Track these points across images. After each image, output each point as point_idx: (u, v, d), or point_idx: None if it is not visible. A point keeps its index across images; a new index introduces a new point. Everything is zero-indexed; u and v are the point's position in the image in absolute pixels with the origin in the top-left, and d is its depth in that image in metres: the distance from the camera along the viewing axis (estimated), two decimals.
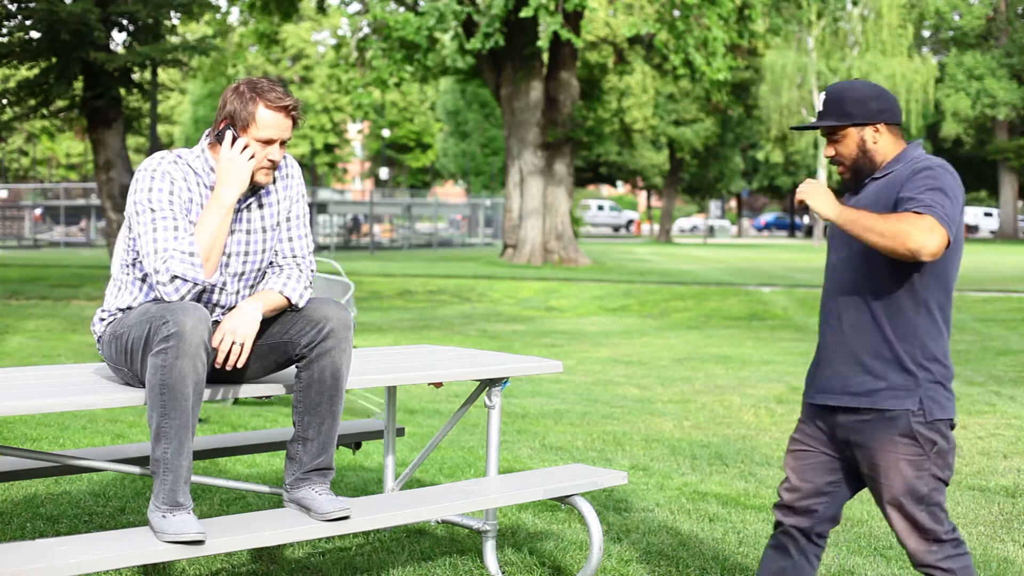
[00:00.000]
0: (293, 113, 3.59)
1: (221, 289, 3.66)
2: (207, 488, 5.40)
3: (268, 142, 3.57)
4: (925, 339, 3.20)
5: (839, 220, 3.13)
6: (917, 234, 3.00)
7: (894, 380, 3.20)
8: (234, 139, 3.55)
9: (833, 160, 3.34)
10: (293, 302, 3.65)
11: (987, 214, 72.53)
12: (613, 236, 64.66)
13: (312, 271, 3.81)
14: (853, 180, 3.35)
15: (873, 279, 3.22)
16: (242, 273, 3.70)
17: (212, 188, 3.60)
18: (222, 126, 3.58)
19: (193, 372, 3.32)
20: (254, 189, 3.67)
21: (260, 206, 3.71)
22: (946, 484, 3.34)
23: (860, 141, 3.31)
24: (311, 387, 3.60)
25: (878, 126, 3.30)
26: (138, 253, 3.59)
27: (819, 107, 3.36)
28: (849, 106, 3.30)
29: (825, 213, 3.15)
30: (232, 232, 3.64)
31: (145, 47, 16.46)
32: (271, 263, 3.77)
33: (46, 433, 6.73)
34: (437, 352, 4.77)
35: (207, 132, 3.68)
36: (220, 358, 3.46)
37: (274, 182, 3.74)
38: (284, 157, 3.74)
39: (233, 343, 3.47)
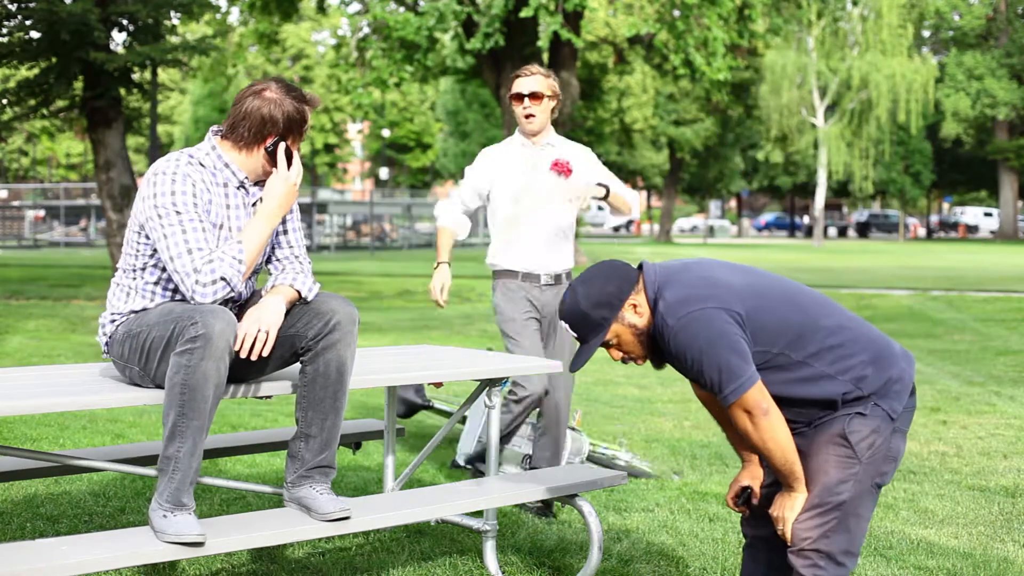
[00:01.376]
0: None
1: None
2: (207, 488, 5.40)
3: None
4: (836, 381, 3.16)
5: (799, 485, 3.13)
6: (761, 437, 3.05)
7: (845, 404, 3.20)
8: (289, 155, 3.60)
9: (626, 360, 3.24)
10: (303, 295, 3.67)
11: (987, 214, 72.56)
12: (613, 236, 64.66)
13: (310, 264, 3.83)
14: (659, 361, 3.24)
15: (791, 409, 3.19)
16: (255, 271, 3.72)
17: (225, 185, 3.61)
18: (271, 141, 3.58)
19: (216, 375, 3.33)
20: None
21: (263, 200, 3.71)
22: (872, 492, 3.23)
23: (629, 340, 3.19)
24: (316, 381, 3.61)
25: (622, 318, 3.16)
26: (149, 257, 3.57)
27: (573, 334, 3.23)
28: (578, 325, 3.17)
29: (800, 498, 3.15)
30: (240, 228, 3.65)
31: (145, 47, 16.47)
32: (269, 260, 3.78)
33: (46, 433, 6.73)
34: (437, 352, 4.77)
35: (215, 129, 3.67)
36: (246, 346, 3.44)
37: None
38: None
39: (259, 330, 3.48)
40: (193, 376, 3.31)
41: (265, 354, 3.47)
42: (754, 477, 3.40)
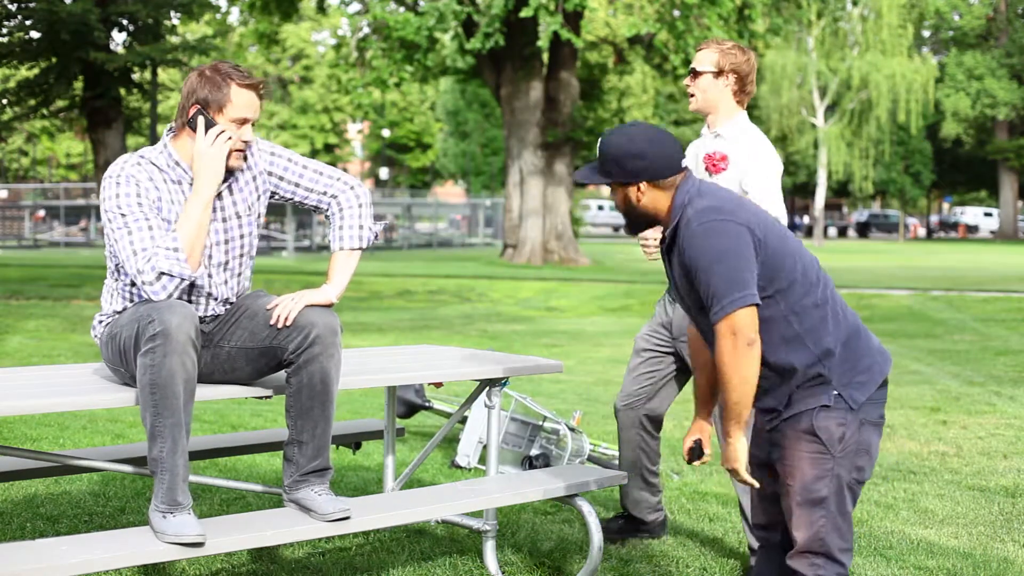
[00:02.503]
0: (262, 91, 3.61)
1: (209, 280, 3.66)
2: (207, 488, 5.40)
3: (242, 122, 3.56)
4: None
5: (739, 430, 3.11)
6: (731, 364, 3.02)
7: (806, 384, 3.20)
8: (208, 126, 3.51)
9: (616, 207, 3.29)
10: (357, 247, 3.77)
11: (987, 214, 72.55)
12: (613, 236, 64.64)
13: (359, 182, 3.86)
14: (631, 229, 3.29)
15: None
16: (226, 262, 3.69)
17: (179, 183, 3.59)
18: (192, 111, 3.55)
19: (182, 370, 3.31)
20: (227, 174, 3.66)
21: (231, 192, 3.68)
22: (851, 490, 3.22)
23: (625, 199, 3.23)
24: (301, 392, 3.60)
25: (639, 185, 3.18)
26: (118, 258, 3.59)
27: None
28: (610, 164, 3.20)
29: (741, 447, 3.14)
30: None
31: (145, 47, 16.49)
32: (317, 208, 3.82)
33: (46, 433, 6.72)
34: (437, 352, 4.77)
35: (169, 127, 3.67)
36: (275, 313, 3.54)
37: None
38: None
39: (293, 300, 3.57)
40: (159, 374, 3.29)
41: (289, 323, 3.53)
42: (702, 431, 3.43)
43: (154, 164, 3.58)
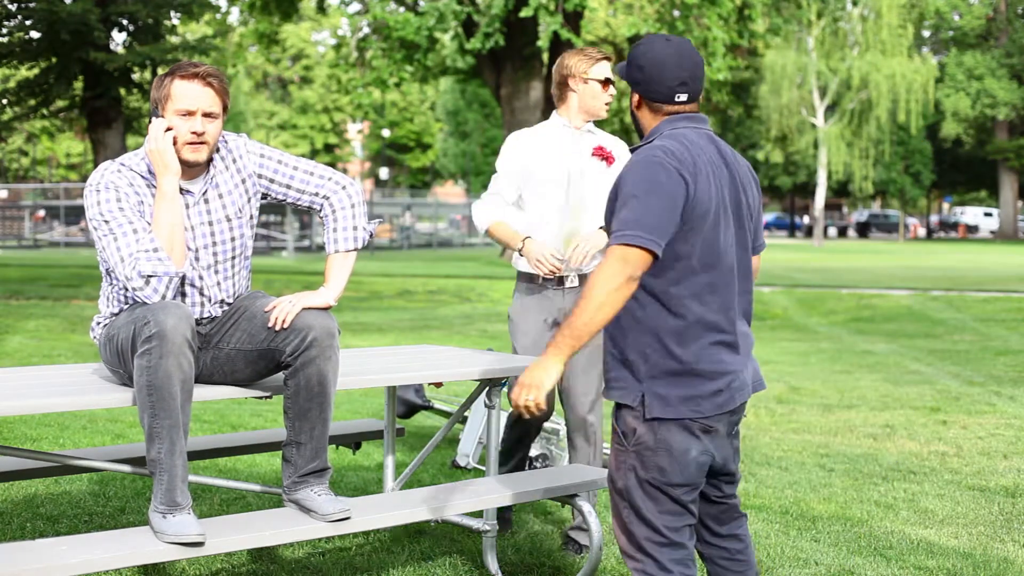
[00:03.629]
0: (210, 80, 3.55)
1: (202, 283, 3.66)
2: (207, 488, 5.40)
3: (187, 114, 3.52)
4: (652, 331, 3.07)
5: (561, 355, 3.00)
6: (604, 286, 2.92)
7: (619, 372, 3.14)
8: (159, 124, 3.52)
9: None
10: (352, 248, 3.77)
11: (987, 214, 72.55)
12: None
13: (351, 180, 3.86)
14: (640, 138, 3.28)
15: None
16: (215, 264, 3.69)
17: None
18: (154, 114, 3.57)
19: (179, 371, 3.31)
20: (197, 174, 3.63)
21: (219, 196, 3.68)
22: (656, 487, 3.11)
23: (630, 100, 3.26)
24: (299, 394, 3.60)
25: (635, 95, 3.20)
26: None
27: None
28: (628, 63, 3.21)
29: (553, 370, 3.01)
30: (193, 227, 3.63)
31: (145, 47, 16.49)
32: (310, 209, 3.82)
33: (46, 433, 6.72)
34: (437, 352, 4.76)
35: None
36: (273, 315, 3.55)
37: (225, 169, 3.70)
38: (225, 140, 3.71)
39: (291, 303, 3.58)
40: (156, 376, 3.30)
41: (287, 325, 3.53)
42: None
43: (133, 170, 3.58)
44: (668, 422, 3.07)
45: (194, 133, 3.52)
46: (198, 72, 3.53)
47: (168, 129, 3.51)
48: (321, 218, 3.86)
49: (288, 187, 3.79)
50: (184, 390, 3.34)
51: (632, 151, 3.18)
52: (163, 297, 3.44)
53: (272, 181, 3.78)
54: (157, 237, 3.46)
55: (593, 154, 4.70)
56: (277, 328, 3.54)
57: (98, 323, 3.71)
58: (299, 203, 3.83)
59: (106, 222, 3.47)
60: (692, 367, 3.06)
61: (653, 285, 3.06)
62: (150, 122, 3.55)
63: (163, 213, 3.49)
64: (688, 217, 3.03)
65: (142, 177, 3.58)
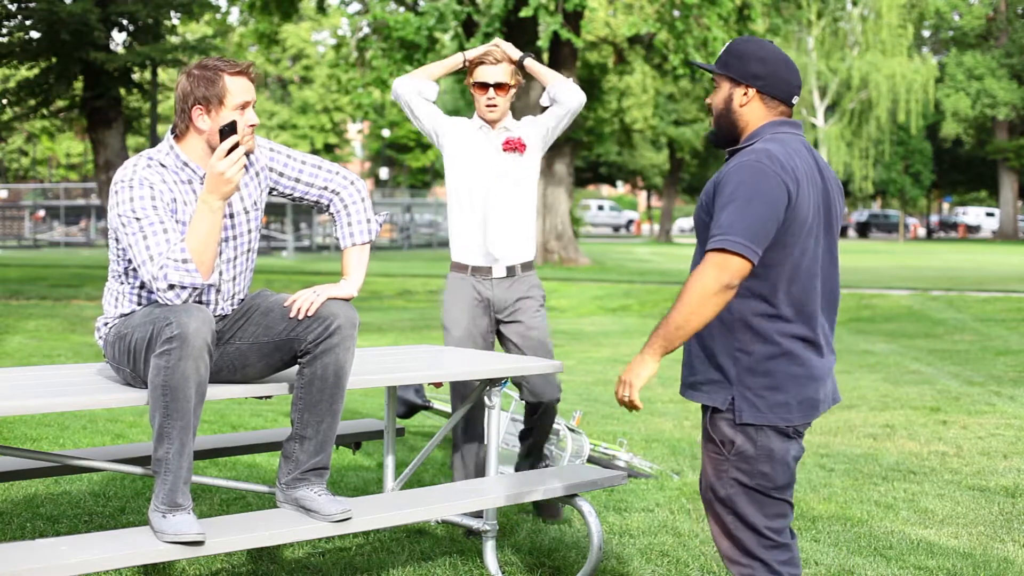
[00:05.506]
0: (251, 73, 3.63)
1: (218, 277, 3.67)
2: (207, 488, 5.40)
3: (243, 106, 3.57)
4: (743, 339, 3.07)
5: (655, 354, 3.02)
6: (700, 291, 2.93)
7: (708, 375, 3.13)
8: (224, 136, 3.49)
9: (708, 108, 3.27)
10: (367, 241, 3.83)
11: (988, 214, 72.53)
12: (613, 236, 64.65)
13: (356, 175, 3.89)
14: (716, 137, 3.24)
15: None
16: (234, 258, 3.71)
17: (189, 182, 3.60)
18: (195, 114, 3.54)
19: (196, 374, 3.33)
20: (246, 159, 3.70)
21: (238, 187, 3.68)
22: (761, 492, 3.13)
23: (728, 98, 3.19)
24: (313, 384, 3.61)
25: (748, 90, 3.15)
26: (129, 263, 3.59)
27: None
28: (732, 58, 3.18)
29: (646, 369, 3.05)
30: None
31: (145, 47, 16.48)
32: (317, 203, 3.85)
33: (46, 433, 6.72)
34: (437, 352, 4.76)
35: (171, 129, 3.68)
36: (296, 305, 3.58)
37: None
38: None
39: (316, 293, 3.61)
40: (173, 377, 3.31)
41: (311, 314, 3.57)
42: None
43: (164, 165, 3.59)
44: (764, 428, 3.08)
45: (251, 126, 3.59)
46: (244, 68, 3.59)
47: (237, 147, 3.49)
48: (331, 214, 3.89)
49: (297, 181, 3.81)
50: (198, 393, 3.36)
51: (733, 153, 3.15)
52: (184, 302, 3.45)
53: (282, 175, 3.81)
54: (189, 247, 3.46)
55: (503, 147, 4.92)
56: (301, 317, 3.56)
57: (105, 324, 3.70)
58: (306, 197, 3.85)
59: (137, 219, 3.46)
60: (781, 374, 3.07)
61: (747, 288, 3.06)
62: (184, 121, 3.55)
63: (202, 226, 3.47)
64: (788, 225, 3.02)
65: (173, 172, 3.58)
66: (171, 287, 3.43)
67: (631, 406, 3.12)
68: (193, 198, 3.59)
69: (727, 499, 3.14)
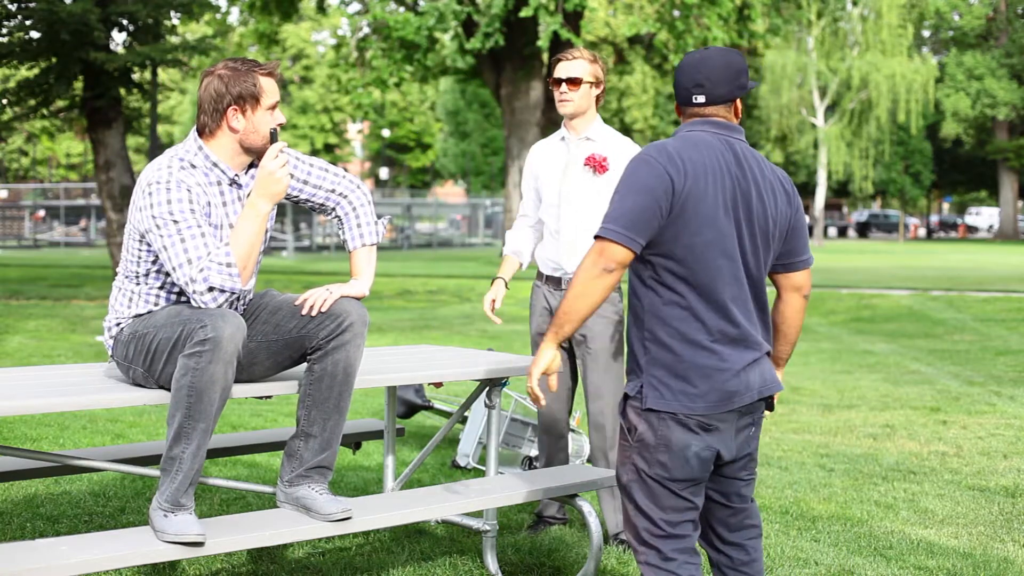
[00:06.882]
0: (278, 74, 3.69)
1: (253, 283, 3.70)
2: (207, 488, 5.40)
3: (274, 107, 3.62)
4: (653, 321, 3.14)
5: (550, 343, 3.15)
6: (581, 275, 3.07)
7: (630, 364, 3.24)
8: (281, 145, 3.57)
9: None
10: (375, 242, 3.87)
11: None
12: None
13: (360, 180, 3.93)
14: None
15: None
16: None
17: (218, 183, 3.60)
18: (233, 113, 3.55)
19: (223, 379, 3.35)
20: (246, 165, 3.71)
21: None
22: (658, 483, 3.14)
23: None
24: (322, 380, 3.61)
25: (684, 105, 3.30)
26: (152, 263, 3.58)
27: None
28: (679, 83, 3.34)
29: (542, 358, 3.16)
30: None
31: (145, 47, 16.47)
32: (322, 206, 3.86)
33: (46, 433, 6.73)
34: (437, 352, 4.77)
35: (196, 128, 3.67)
36: (308, 303, 3.60)
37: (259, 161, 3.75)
38: None
39: (328, 290, 3.63)
40: (201, 379, 3.31)
41: (324, 310, 3.59)
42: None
43: (195, 165, 3.58)
44: (665, 418, 3.09)
45: (280, 125, 3.63)
46: (272, 69, 3.65)
47: (279, 156, 3.54)
48: (337, 217, 3.90)
49: (305, 182, 3.82)
50: (222, 398, 3.38)
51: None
52: (219, 307, 3.45)
53: (291, 176, 3.80)
54: (234, 251, 3.47)
55: (584, 163, 4.84)
56: (314, 313, 3.57)
57: (117, 323, 3.67)
58: (313, 199, 3.85)
59: (175, 222, 3.45)
60: (687, 363, 3.09)
61: (654, 279, 3.13)
62: (216, 120, 3.56)
63: (249, 231, 3.50)
64: (679, 214, 3.07)
65: (203, 173, 3.58)
66: (211, 289, 3.42)
67: (532, 397, 3.23)
68: (221, 200, 3.59)
69: (627, 485, 3.19)
